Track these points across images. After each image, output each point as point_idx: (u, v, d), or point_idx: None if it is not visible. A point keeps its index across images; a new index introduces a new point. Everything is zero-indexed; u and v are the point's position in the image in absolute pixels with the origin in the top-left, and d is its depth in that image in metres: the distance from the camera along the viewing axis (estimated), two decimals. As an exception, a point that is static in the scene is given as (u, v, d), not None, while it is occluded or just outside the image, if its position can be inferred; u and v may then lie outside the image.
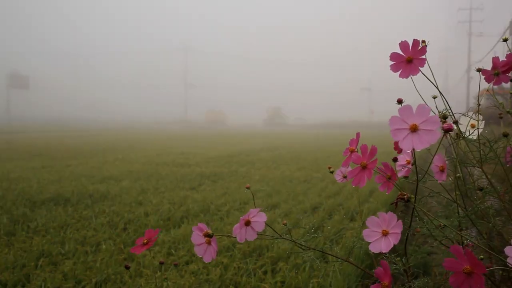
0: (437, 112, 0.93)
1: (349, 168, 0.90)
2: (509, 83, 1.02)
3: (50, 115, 72.58)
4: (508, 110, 1.09)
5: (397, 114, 0.75)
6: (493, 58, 1.03)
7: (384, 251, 0.79)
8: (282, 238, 0.94)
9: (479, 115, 1.04)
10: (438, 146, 0.85)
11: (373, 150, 0.86)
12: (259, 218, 0.86)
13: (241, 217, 0.87)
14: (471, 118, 1.03)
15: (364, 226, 0.85)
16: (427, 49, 0.83)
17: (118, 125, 45.00)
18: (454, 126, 0.94)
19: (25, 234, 3.26)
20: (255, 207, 0.89)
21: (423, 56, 0.83)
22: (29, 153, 10.34)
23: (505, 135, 1.00)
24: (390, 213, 0.82)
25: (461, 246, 0.72)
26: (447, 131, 0.82)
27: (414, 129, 0.72)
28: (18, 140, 16.14)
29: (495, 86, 1.04)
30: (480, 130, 1.03)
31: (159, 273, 2.47)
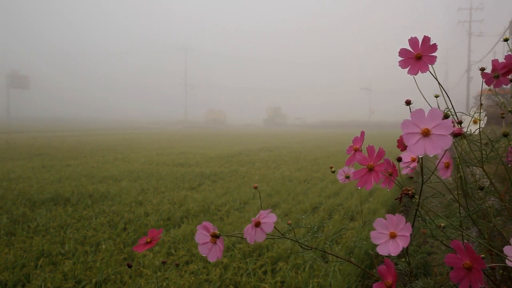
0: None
1: (352, 168, 0.89)
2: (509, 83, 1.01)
3: (50, 115, 72.57)
4: (509, 109, 1.09)
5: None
6: (492, 60, 1.01)
7: (392, 254, 0.76)
8: (285, 237, 0.94)
9: (482, 111, 1.03)
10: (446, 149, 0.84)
11: (381, 153, 0.84)
12: (268, 219, 0.85)
13: (252, 218, 0.87)
14: (473, 115, 1.03)
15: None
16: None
17: (118, 125, 44.95)
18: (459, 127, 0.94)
19: (25, 234, 3.26)
20: (260, 206, 0.88)
21: (434, 54, 0.80)
22: (29, 153, 10.34)
23: (505, 134, 0.99)
24: (398, 215, 0.79)
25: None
26: (456, 135, 0.80)
27: (426, 133, 0.70)
28: (18, 140, 16.12)
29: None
30: (482, 127, 1.01)
31: (159, 273, 2.47)
